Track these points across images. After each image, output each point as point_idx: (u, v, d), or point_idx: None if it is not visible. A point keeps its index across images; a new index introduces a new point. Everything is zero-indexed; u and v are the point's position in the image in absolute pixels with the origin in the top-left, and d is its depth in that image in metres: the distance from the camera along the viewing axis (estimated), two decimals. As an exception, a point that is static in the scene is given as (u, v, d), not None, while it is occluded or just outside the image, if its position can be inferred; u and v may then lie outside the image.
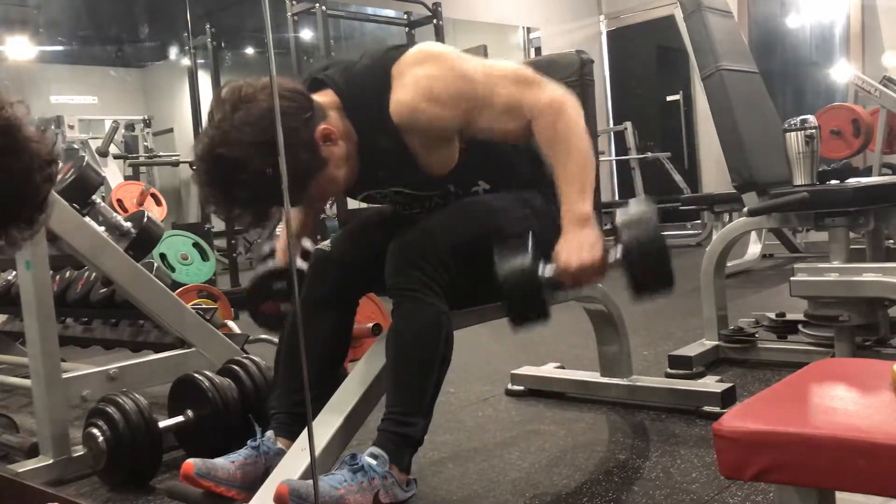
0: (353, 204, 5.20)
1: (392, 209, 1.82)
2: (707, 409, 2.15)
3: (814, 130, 2.52)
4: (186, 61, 6.51)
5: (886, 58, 6.63)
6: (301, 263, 1.77)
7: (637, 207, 1.54)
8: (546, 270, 1.49)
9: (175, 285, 3.07)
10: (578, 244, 1.49)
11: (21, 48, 9.05)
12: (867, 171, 5.77)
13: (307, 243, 1.84)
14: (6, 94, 0.99)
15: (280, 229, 1.84)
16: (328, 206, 5.03)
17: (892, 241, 3.09)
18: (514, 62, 1.64)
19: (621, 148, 8.23)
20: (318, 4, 5.45)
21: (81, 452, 2.02)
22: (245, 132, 1.41)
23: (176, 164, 8.13)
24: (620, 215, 1.53)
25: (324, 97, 1.58)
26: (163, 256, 4.68)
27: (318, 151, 1.50)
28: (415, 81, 1.53)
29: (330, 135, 1.52)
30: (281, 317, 1.80)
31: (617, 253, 1.49)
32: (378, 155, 1.60)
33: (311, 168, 1.49)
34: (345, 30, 8.36)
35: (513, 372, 2.60)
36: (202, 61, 6.48)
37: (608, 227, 1.67)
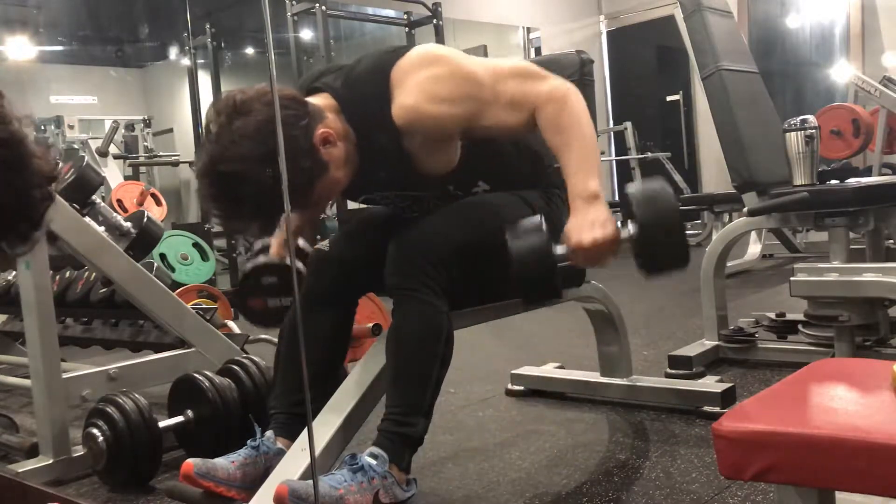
0: (352, 204, 5.20)
1: (392, 210, 1.82)
2: (707, 409, 2.15)
3: (814, 130, 2.52)
4: (186, 61, 6.51)
5: (886, 58, 6.63)
6: (297, 264, 1.76)
7: (650, 183, 1.52)
8: (558, 249, 1.48)
9: (175, 285, 3.07)
10: (590, 221, 1.47)
11: (21, 48, 9.05)
12: (867, 171, 5.76)
13: (303, 243, 1.84)
14: (14, 109, 0.99)
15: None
16: (328, 206, 5.03)
17: (892, 241, 3.09)
18: (515, 59, 1.64)
19: (621, 148, 8.22)
20: (318, 4, 5.45)
21: (81, 452, 2.02)
22: (243, 145, 1.41)
23: (176, 164, 8.12)
24: (633, 191, 1.51)
25: (320, 100, 1.58)
26: (163, 256, 4.68)
27: (319, 156, 1.50)
28: (417, 84, 1.52)
29: (328, 137, 1.52)
30: (270, 312, 1.78)
31: (630, 229, 1.47)
32: (378, 158, 1.59)
33: (313, 174, 1.49)
34: (345, 30, 8.36)
35: (513, 372, 2.60)
36: (202, 61, 6.47)
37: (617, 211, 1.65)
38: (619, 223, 1.49)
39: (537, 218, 1.51)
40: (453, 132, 1.60)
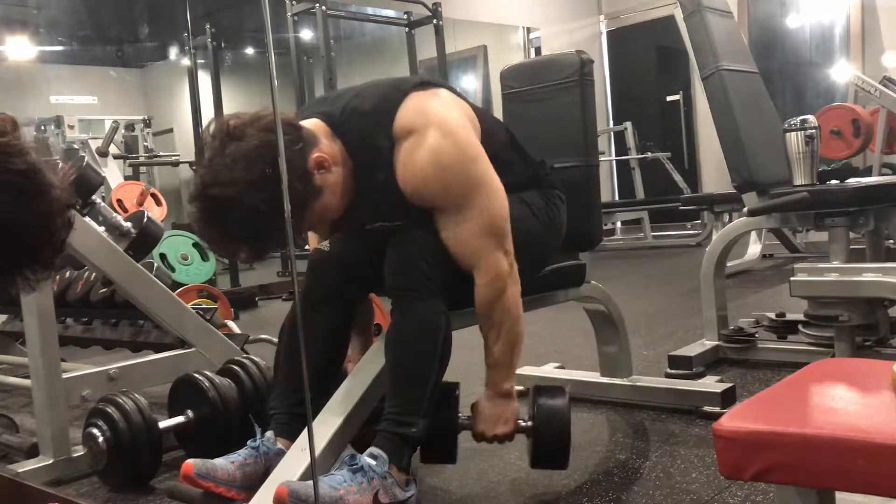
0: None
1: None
2: (707, 409, 2.15)
3: (814, 130, 2.51)
4: (186, 61, 6.51)
5: (886, 58, 6.63)
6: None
7: (554, 389, 1.74)
8: (464, 422, 1.70)
9: (175, 285, 3.07)
10: (497, 417, 1.66)
11: (21, 48, 9.04)
12: (867, 171, 5.77)
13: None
14: (27, 138, 1.00)
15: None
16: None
17: (892, 241, 3.09)
18: (500, 206, 1.62)
19: (621, 148, 8.22)
20: (318, 4, 5.45)
21: (81, 452, 2.02)
22: (235, 170, 1.42)
23: (176, 164, 8.12)
24: (539, 395, 1.72)
25: (313, 124, 1.58)
26: (163, 256, 4.68)
27: (312, 181, 1.51)
28: (425, 158, 1.53)
29: (323, 162, 1.53)
30: None
31: (528, 424, 1.69)
32: (378, 192, 1.60)
33: (307, 198, 1.50)
34: (345, 30, 8.36)
35: (513, 372, 2.59)
36: (202, 61, 6.47)
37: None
38: (518, 414, 1.69)
39: (455, 391, 1.70)
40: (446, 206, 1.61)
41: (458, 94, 1.71)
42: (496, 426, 1.66)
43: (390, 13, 7.16)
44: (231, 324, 3.04)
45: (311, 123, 1.58)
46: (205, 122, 5.22)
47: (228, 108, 5.97)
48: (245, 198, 1.40)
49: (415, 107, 1.58)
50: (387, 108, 1.57)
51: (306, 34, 6.98)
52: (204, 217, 1.48)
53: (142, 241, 2.45)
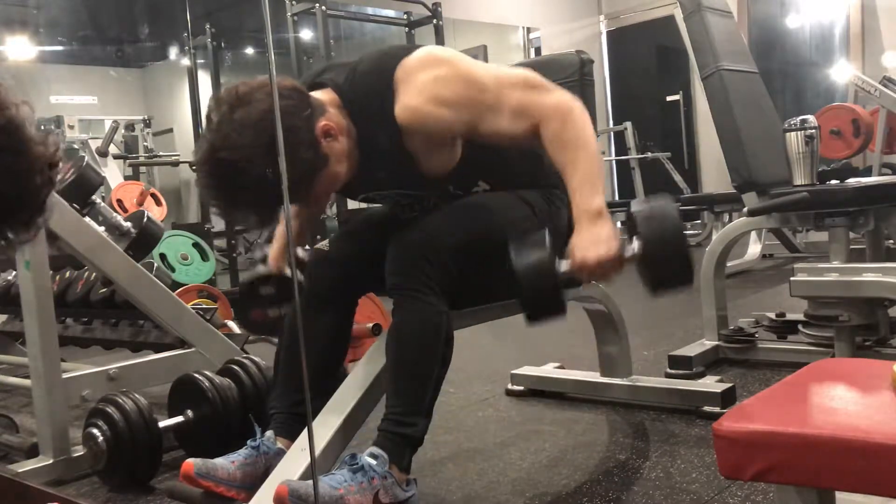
0: (352, 204, 5.20)
1: (391, 209, 1.82)
2: (707, 409, 2.15)
3: (814, 130, 2.51)
4: (186, 61, 6.51)
5: (886, 58, 6.63)
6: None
7: (656, 201, 1.52)
8: (562, 265, 1.46)
9: (175, 285, 3.07)
10: (595, 238, 1.46)
11: (21, 48, 9.04)
12: (867, 171, 5.77)
13: (301, 253, 1.84)
14: (12, 94, 0.98)
15: (277, 232, 1.84)
16: (328, 206, 5.03)
17: (892, 241, 3.09)
18: (521, 69, 1.63)
19: (621, 148, 8.22)
20: (318, 4, 5.45)
21: (81, 452, 2.02)
22: (244, 134, 1.40)
23: (176, 164, 8.11)
24: (637, 208, 1.51)
25: (322, 94, 1.58)
26: (163, 256, 4.68)
27: (320, 148, 1.50)
28: (422, 85, 1.52)
29: (330, 130, 1.52)
30: (270, 322, 1.78)
31: (634, 247, 1.47)
32: (379, 156, 1.59)
33: (314, 165, 1.49)
34: (345, 30, 8.36)
35: (513, 372, 2.60)
36: (202, 61, 6.48)
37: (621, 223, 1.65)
38: (623, 240, 1.48)
39: (541, 233, 1.50)
40: (454, 135, 1.60)
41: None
42: (597, 247, 1.45)
43: (390, 13, 7.16)
44: (231, 324, 3.04)
45: (320, 93, 1.58)
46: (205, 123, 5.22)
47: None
48: (253, 162, 1.38)
49: (412, 59, 1.56)
50: (387, 66, 1.56)
51: (306, 34, 6.98)
52: (211, 181, 1.46)
53: (142, 241, 2.45)
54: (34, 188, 0.99)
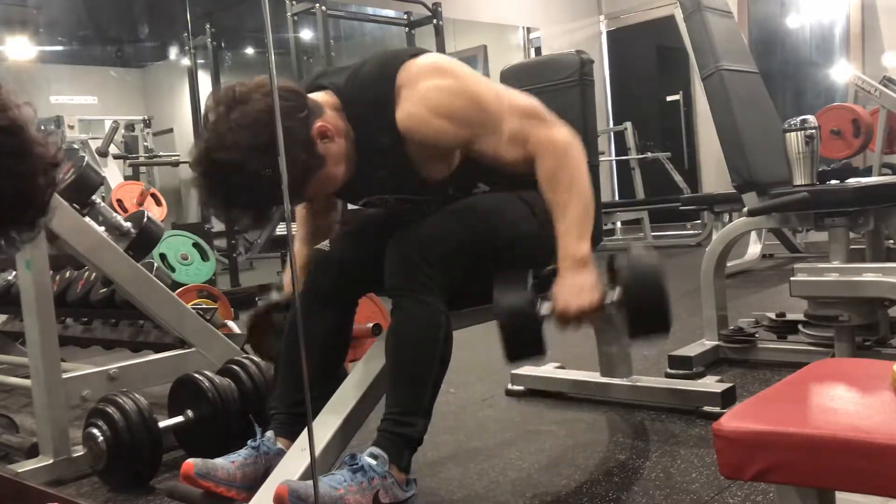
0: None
1: (391, 211, 1.82)
2: (707, 409, 2.15)
3: (814, 130, 2.52)
4: (186, 61, 6.51)
5: (886, 58, 6.63)
6: None
7: (639, 250, 1.56)
8: (543, 308, 1.50)
9: (175, 285, 3.07)
10: (577, 287, 1.50)
11: (21, 48, 9.05)
12: (867, 171, 5.76)
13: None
14: (14, 96, 0.98)
15: (291, 256, 1.85)
16: (335, 209, 5.02)
17: (892, 241, 3.09)
18: (526, 96, 1.62)
19: (621, 148, 8.22)
20: (318, 4, 5.45)
21: (81, 452, 2.02)
22: (240, 134, 1.41)
23: (176, 164, 8.11)
24: (621, 260, 1.55)
25: (321, 96, 1.58)
26: (163, 256, 4.68)
27: (315, 149, 1.50)
28: (425, 93, 1.51)
29: (327, 132, 1.52)
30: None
31: (615, 294, 1.50)
32: (378, 160, 1.59)
33: (309, 166, 1.49)
34: (345, 30, 8.37)
35: (513, 372, 2.60)
36: (202, 61, 6.48)
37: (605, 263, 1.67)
38: (605, 287, 1.51)
39: (525, 273, 1.53)
40: (454, 147, 1.61)
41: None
42: (579, 296, 1.48)
43: (390, 13, 7.16)
44: (231, 324, 3.04)
45: (318, 95, 1.58)
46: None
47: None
48: (248, 162, 1.39)
49: (416, 64, 1.56)
50: (387, 71, 1.56)
51: (306, 34, 6.98)
52: (207, 181, 1.46)
53: (142, 241, 2.45)
54: (38, 189, 1.00)
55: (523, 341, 1.49)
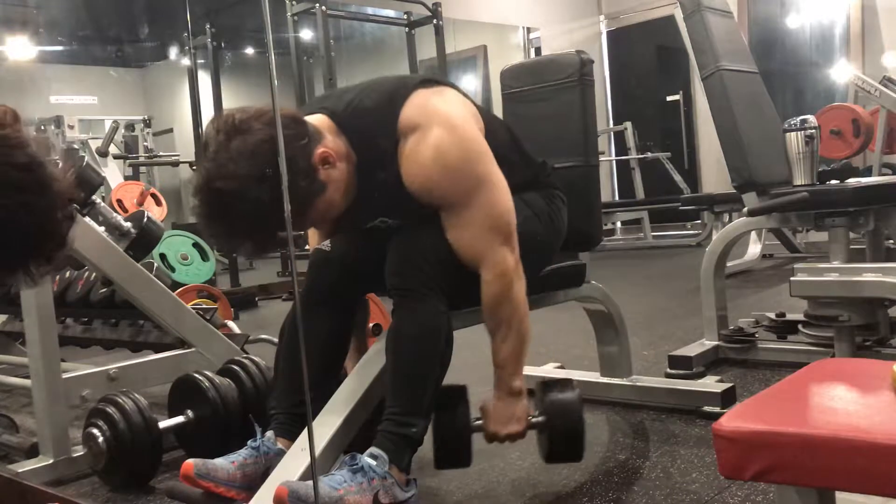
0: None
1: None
2: (707, 409, 2.15)
3: (814, 130, 2.51)
4: (186, 61, 6.51)
5: (886, 58, 6.63)
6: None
7: (562, 382, 1.74)
8: (475, 422, 1.66)
9: (175, 285, 3.06)
10: (507, 416, 1.65)
11: (21, 48, 9.05)
12: (867, 171, 5.76)
13: None
14: (27, 132, 1.00)
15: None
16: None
17: (892, 241, 3.09)
18: (505, 203, 1.62)
19: (621, 148, 8.23)
20: (318, 4, 5.46)
21: (81, 452, 2.02)
22: (240, 164, 1.41)
23: (176, 164, 8.13)
24: (545, 392, 1.72)
25: (320, 121, 1.58)
26: (163, 256, 4.68)
27: (317, 176, 1.50)
28: (430, 151, 1.53)
29: (328, 157, 1.52)
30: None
31: (539, 419, 1.69)
32: (380, 192, 1.60)
33: (311, 193, 1.50)
34: (345, 30, 8.36)
35: (513, 372, 2.59)
36: (202, 61, 6.48)
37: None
38: (530, 414, 1.68)
39: (463, 390, 1.68)
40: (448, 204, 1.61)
41: (463, 94, 1.71)
42: (508, 425, 1.65)
43: (390, 13, 7.16)
44: (231, 324, 3.04)
45: (316, 119, 1.58)
46: (205, 123, 5.23)
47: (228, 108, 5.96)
48: (249, 191, 1.39)
49: (419, 104, 1.57)
50: (391, 105, 1.57)
51: (306, 34, 6.98)
52: (207, 210, 1.47)
53: (142, 241, 2.45)
54: (56, 223, 1.02)
55: (452, 453, 1.66)
